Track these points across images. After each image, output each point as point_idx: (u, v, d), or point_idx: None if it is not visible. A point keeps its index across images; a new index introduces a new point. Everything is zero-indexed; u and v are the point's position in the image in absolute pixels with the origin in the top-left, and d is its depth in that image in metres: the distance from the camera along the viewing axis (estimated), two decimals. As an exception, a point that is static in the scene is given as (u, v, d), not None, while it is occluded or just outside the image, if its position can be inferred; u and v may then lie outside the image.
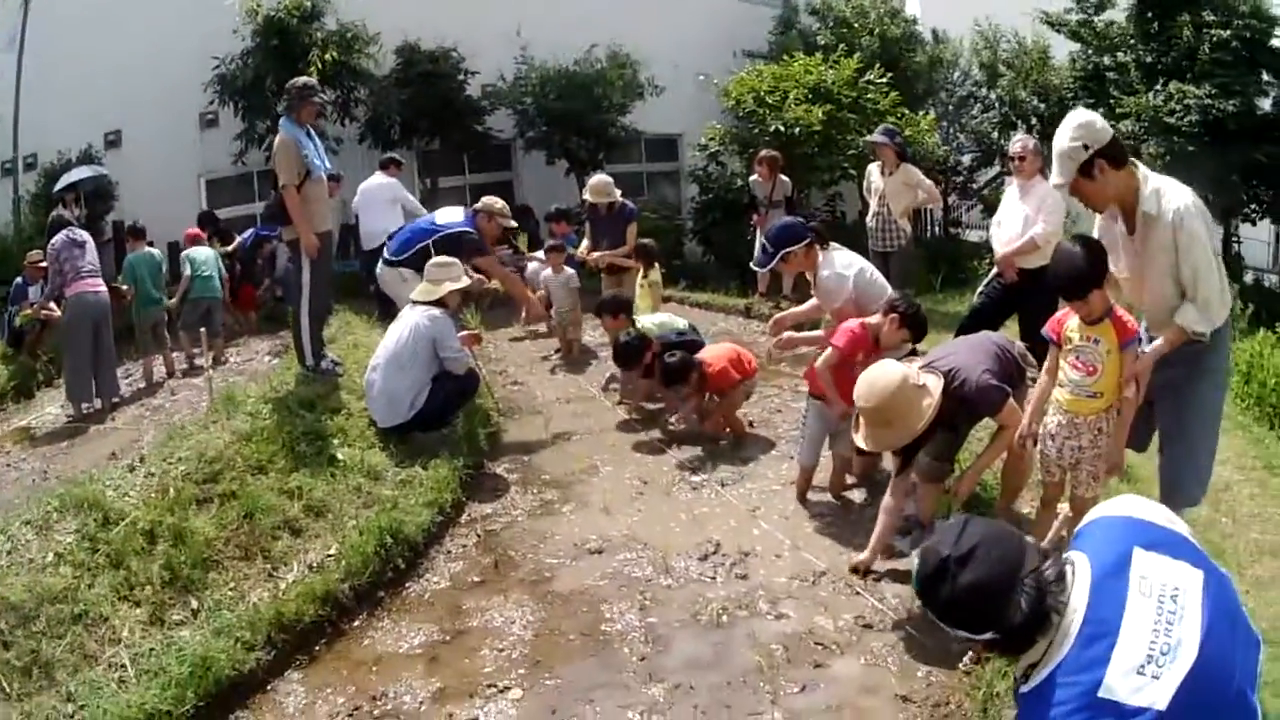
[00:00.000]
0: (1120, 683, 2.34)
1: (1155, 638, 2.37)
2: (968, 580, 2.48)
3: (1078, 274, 4.70)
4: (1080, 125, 4.70)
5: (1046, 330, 5.16)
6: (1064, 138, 4.70)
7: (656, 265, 11.19)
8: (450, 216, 9.50)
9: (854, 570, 5.68)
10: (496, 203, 9.75)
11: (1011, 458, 5.70)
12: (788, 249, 6.75)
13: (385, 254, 9.52)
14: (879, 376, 5.26)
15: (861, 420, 5.39)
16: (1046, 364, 5.25)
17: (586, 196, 11.68)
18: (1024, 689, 2.49)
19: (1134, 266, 4.91)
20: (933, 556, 2.59)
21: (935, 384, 5.28)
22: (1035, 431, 5.31)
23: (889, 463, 5.70)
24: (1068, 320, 5.02)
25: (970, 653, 4.67)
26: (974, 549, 2.52)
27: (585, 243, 11.94)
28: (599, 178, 11.70)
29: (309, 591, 5.45)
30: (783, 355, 7.32)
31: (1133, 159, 4.85)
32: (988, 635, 2.47)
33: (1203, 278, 4.65)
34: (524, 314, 10.52)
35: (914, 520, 6.17)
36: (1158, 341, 4.85)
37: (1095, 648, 2.40)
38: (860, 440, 5.49)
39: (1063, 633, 2.45)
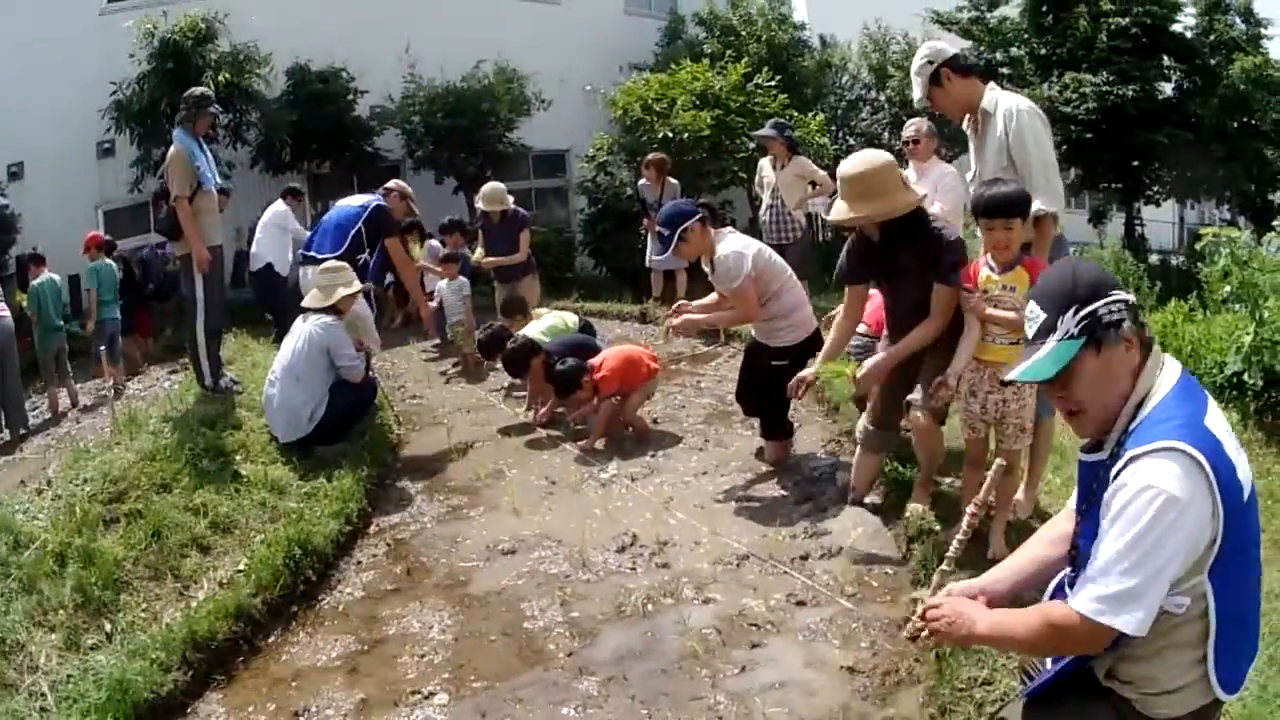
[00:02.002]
0: (1216, 426, 2.41)
1: (1228, 435, 2.45)
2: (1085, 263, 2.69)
3: (1006, 197, 4.76)
4: (926, 47, 5.66)
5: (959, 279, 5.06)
6: (915, 62, 5.60)
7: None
8: (360, 200, 9.57)
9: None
10: (407, 187, 10.07)
11: (920, 434, 5.58)
12: (684, 225, 6.61)
13: (312, 254, 9.19)
14: (873, 155, 5.42)
15: (841, 190, 5.38)
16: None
17: (479, 205, 11.53)
18: (1133, 425, 2.46)
19: (980, 165, 5.53)
20: (1055, 269, 2.73)
21: (921, 194, 5.45)
22: (952, 386, 5.14)
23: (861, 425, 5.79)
24: (981, 270, 4.94)
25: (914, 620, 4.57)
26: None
27: (480, 250, 11.76)
28: (491, 186, 11.55)
29: (221, 608, 5.21)
30: (680, 333, 7.23)
31: (990, 78, 5.71)
32: (1125, 296, 2.52)
33: (1036, 167, 5.19)
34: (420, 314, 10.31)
35: (853, 491, 6.20)
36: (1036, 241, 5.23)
37: (1193, 394, 2.49)
38: (832, 212, 5.53)
39: (1169, 373, 2.51)
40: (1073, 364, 2.46)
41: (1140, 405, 2.46)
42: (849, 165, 5.34)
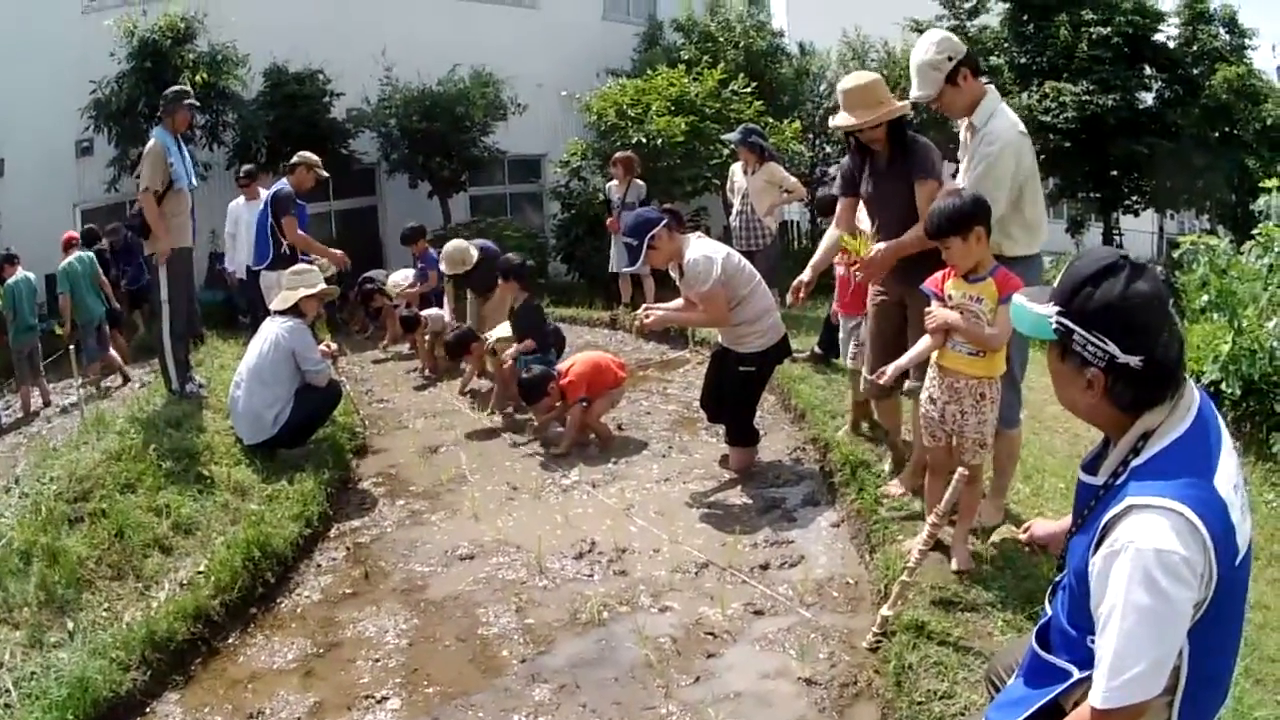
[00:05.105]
0: (1224, 487, 2.26)
1: (1235, 493, 2.30)
2: (1142, 286, 2.32)
3: (955, 211, 4.64)
4: (943, 39, 5.13)
5: (927, 286, 4.95)
6: (927, 51, 5.09)
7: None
8: (264, 196, 10.16)
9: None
10: (311, 155, 10.14)
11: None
12: (650, 233, 6.61)
13: (257, 267, 9.78)
14: (866, 73, 5.72)
15: (842, 103, 5.61)
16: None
17: (443, 268, 11.06)
18: (1136, 461, 2.33)
19: (964, 168, 5.29)
20: (1104, 254, 2.42)
21: (905, 103, 5.58)
22: (889, 376, 5.18)
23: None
24: (949, 278, 4.87)
25: (873, 632, 4.57)
26: (1147, 267, 2.37)
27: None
28: (452, 245, 10.62)
29: (180, 609, 5.20)
30: (651, 329, 7.26)
31: (989, 81, 5.36)
32: (1135, 358, 2.28)
33: (991, 195, 4.84)
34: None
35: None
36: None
37: (1209, 438, 2.32)
38: (836, 119, 5.66)
39: (1184, 409, 2.34)
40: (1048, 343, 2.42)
41: (1145, 437, 2.34)
42: (849, 80, 5.59)
